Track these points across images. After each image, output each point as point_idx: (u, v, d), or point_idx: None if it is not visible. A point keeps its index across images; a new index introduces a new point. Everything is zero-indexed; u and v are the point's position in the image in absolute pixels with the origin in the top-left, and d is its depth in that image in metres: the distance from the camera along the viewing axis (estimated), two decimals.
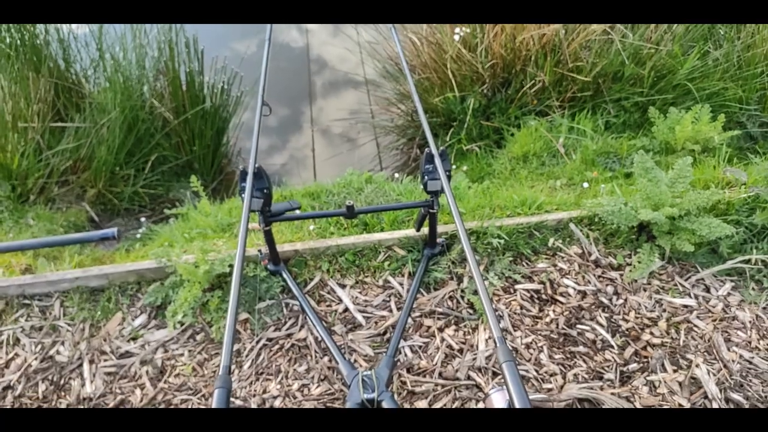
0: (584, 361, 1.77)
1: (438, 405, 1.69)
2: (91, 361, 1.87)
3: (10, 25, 2.98)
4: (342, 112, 4.02)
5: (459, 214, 1.43)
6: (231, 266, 1.95)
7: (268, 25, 2.21)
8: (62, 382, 1.83)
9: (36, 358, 1.88)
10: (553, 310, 1.91)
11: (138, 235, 2.71)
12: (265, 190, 1.81)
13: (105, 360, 1.87)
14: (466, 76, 3.20)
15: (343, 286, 2.04)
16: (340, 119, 3.87)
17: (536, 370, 1.75)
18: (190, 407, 1.74)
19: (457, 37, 3.06)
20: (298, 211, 1.99)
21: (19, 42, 2.98)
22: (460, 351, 1.82)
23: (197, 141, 3.07)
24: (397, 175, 2.75)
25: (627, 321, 1.88)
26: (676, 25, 3.21)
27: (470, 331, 1.87)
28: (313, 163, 3.65)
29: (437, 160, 1.70)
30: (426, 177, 1.80)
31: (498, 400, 1.12)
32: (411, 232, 2.13)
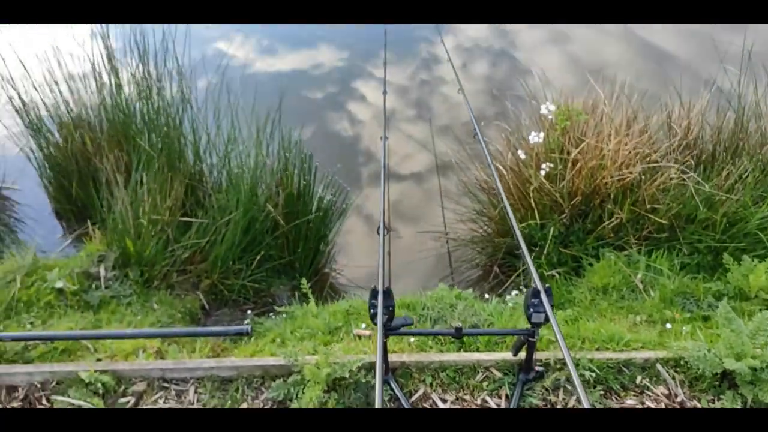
0: None
1: None
2: None
3: (158, 128, 3.47)
4: (413, 216, 4.33)
5: (567, 350, 1.67)
6: (351, 372, 2.18)
7: (382, 156, 2.57)
8: None
9: None
10: None
11: None
12: (390, 308, 2.07)
13: None
14: (546, 205, 3.50)
15: (444, 401, 2.24)
16: (423, 231, 4.15)
17: None
18: None
19: (542, 172, 3.38)
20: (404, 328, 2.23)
21: (161, 145, 3.46)
22: None
23: (301, 243, 3.42)
24: (487, 295, 2.99)
25: None
26: (746, 174, 3.47)
27: None
28: (388, 269, 3.90)
29: (543, 296, 1.96)
30: (531, 309, 2.04)
31: None
32: (507, 355, 2.34)
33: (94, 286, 2.98)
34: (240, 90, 3.58)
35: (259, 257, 3.33)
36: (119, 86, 3.53)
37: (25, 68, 3.59)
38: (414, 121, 5.54)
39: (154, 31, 3.59)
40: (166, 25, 3.70)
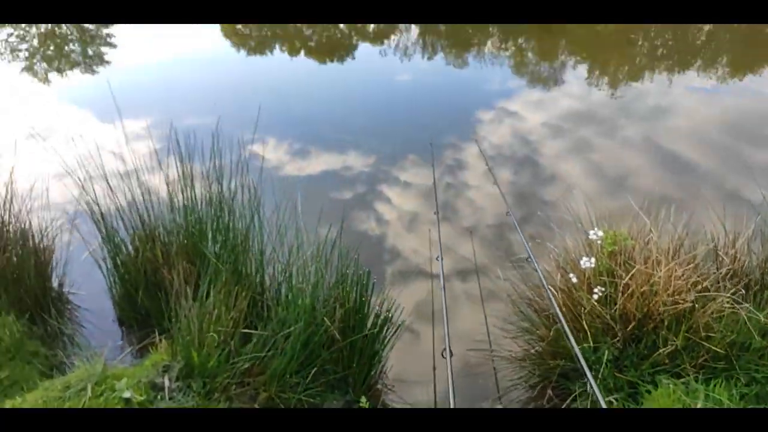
0: None
1: None
2: None
3: (227, 243, 3.67)
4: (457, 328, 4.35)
5: None
6: None
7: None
8: None
9: None
10: None
11: None
12: None
13: None
14: (598, 327, 3.54)
15: None
16: (471, 349, 4.17)
17: None
18: None
19: (595, 296, 3.46)
20: None
21: (228, 257, 3.65)
22: None
23: (356, 358, 3.48)
24: None
25: None
26: None
27: None
28: (434, 386, 3.88)
29: None
30: None
31: None
32: None
33: (159, 396, 3.05)
34: (302, 201, 3.80)
35: (314, 370, 3.38)
36: (194, 204, 3.79)
37: (108, 184, 3.88)
38: (435, 223, 5.74)
39: (231, 152, 3.89)
40: (239, 134, 3.98)
